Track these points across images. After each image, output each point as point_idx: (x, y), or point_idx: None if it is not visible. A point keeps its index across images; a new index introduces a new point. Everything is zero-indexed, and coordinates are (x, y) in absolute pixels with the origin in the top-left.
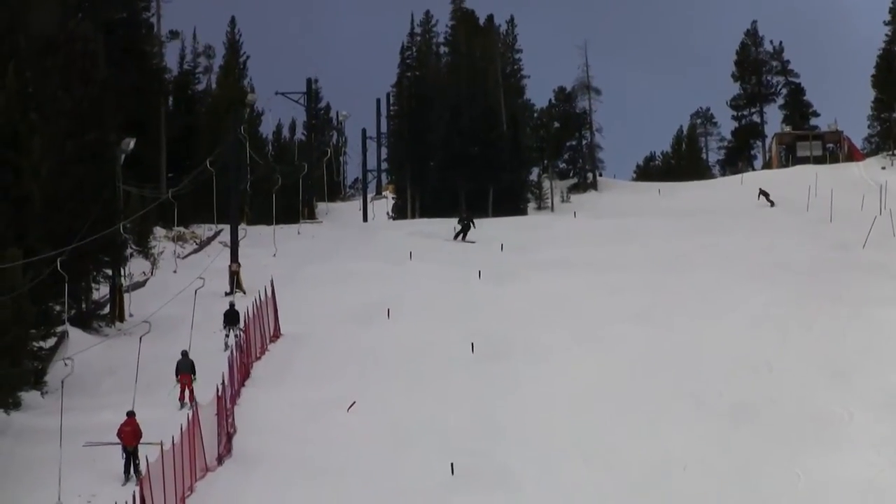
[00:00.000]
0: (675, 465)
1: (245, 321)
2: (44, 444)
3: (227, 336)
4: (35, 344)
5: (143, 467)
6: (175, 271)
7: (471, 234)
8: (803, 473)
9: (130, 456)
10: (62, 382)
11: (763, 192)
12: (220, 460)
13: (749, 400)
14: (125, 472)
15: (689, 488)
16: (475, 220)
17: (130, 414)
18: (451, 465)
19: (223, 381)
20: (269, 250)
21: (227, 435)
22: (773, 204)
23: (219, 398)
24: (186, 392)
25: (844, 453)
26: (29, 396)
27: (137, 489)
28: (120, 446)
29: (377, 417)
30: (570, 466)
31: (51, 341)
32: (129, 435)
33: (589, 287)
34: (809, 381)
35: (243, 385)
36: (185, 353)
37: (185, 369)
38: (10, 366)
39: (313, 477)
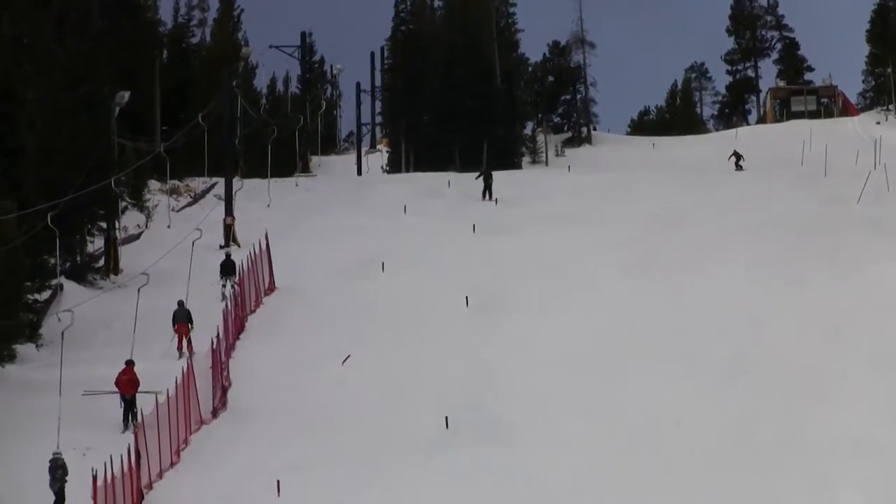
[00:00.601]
0: (669, 420)
1: (240, 274)
2: (39, 396)
3: (223, 287)
4: (30, 297)
5: (140, 417)
6: (169, 225)
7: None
8: (797, 428)
9: (128, 404)
10: (62, 334)
11: (735, 155)
12: (214, 413)
13: (743, 355)
14: (124, 421)
15: (682, 443)
16: (493, 174)
17: (129, 362)
18: (446, 418)
19: (218, 334)
20: (263, 203)
21: (221, 388)
22: (741, 168)
23: (213, 351)
24: (184, 342)
25: (838, 409)
26: (24, 349)
27: (133, 441)
28: (118, 395)
29: (372, 371)
30: (564, 420)
31: (45, 294)
32: (127, 383)
33: (583, 241)
34: (803, 336)
35: (238, 338)
36: (181, 303)
37: (182, 319)
38: (5, 318)
39: (308, 430)
